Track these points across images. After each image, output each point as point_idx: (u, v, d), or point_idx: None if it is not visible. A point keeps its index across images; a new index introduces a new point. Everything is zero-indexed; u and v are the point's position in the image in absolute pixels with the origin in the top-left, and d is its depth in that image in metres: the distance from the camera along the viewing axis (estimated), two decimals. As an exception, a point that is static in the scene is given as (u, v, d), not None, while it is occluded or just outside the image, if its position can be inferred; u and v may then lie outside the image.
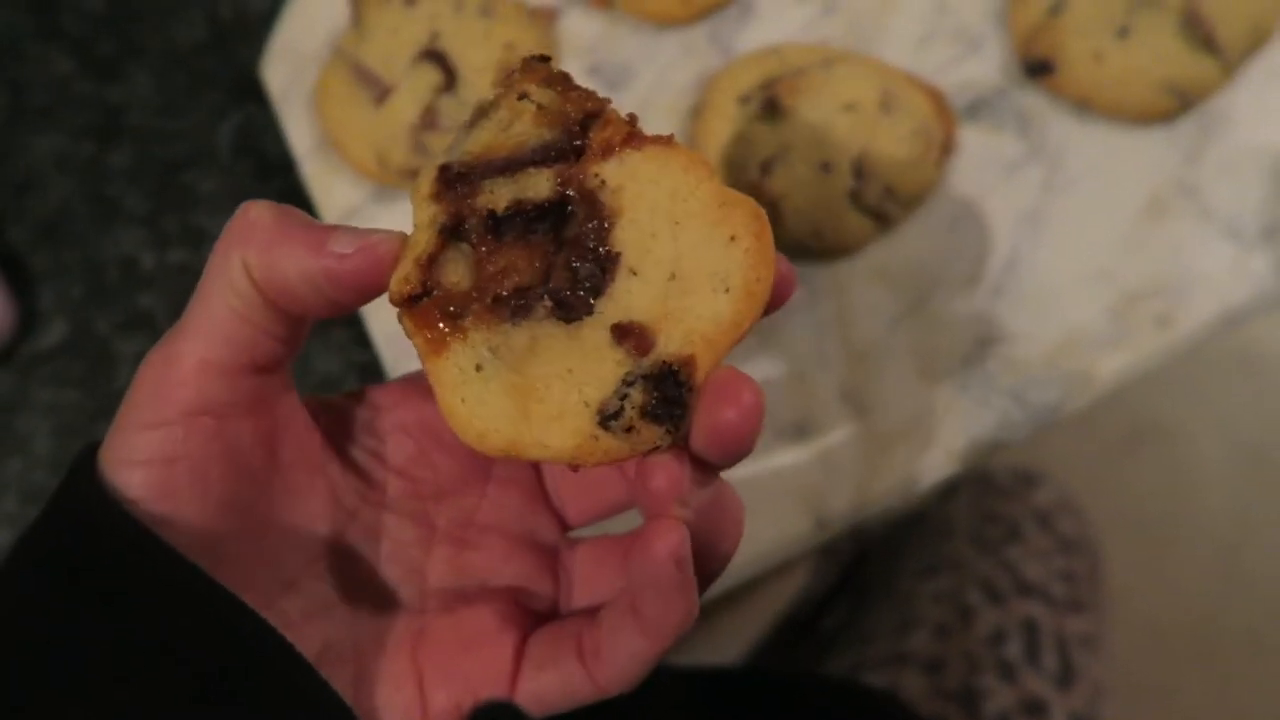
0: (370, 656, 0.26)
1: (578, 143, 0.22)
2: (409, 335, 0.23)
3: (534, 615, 0.27)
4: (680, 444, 0.22)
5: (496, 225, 0.22)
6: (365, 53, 0.42)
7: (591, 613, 0.25)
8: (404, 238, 0.23)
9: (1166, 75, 0.39)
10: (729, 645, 0.83)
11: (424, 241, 0.22)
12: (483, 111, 0.23)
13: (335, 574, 0.26)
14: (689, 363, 0.21)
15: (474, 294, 0.22)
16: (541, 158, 0.22)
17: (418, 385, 0.28)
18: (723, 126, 0.41)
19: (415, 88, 0.41)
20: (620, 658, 0.24)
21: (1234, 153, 0.40)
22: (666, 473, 0.22)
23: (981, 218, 0.41)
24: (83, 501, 0.23)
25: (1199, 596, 0.95)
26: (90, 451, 0.24)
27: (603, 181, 0.22)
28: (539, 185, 0.22)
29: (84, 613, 0.22)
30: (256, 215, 0.23)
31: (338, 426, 0.27)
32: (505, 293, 0.22)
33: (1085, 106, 0.41)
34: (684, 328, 0.22)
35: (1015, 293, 0.40)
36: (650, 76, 0.43)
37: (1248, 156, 0.40)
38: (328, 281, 0.22)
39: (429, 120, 0.41)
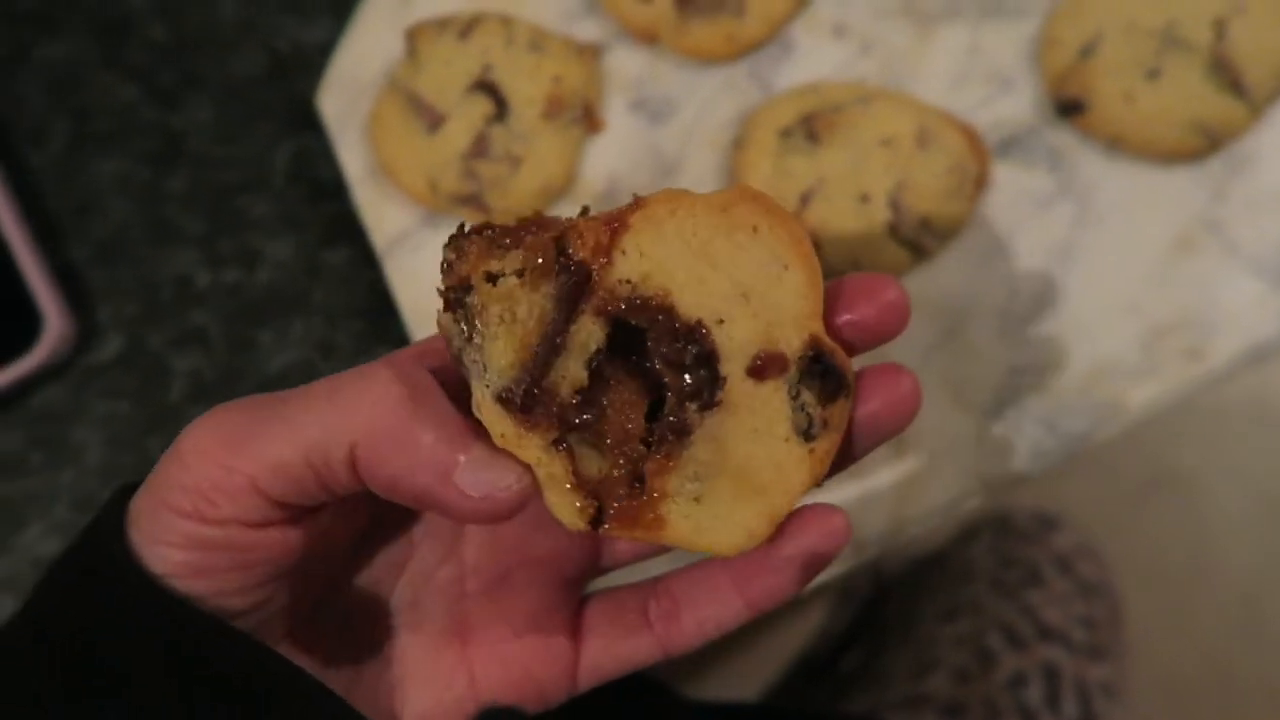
0: (414, 654, 0.26)
1: (578, 275, 0.22)
2: (623, 534, 0.23)
3: (577, 583, 0.27)
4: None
5: (588, 395, 0.22)
6: (420, 83, 0.44)
7: (650, 584, 0.26)
8: (532, 478, 0.22)
9: (1195, 116, 0.41)
10: (744, 686, 0.82)
11: (560, 471, 0.22)
12: (467, 323, 0.22)
13: (372, 563, 0.27)
14: (813, 342, 0.23)
15: (623, 457, 0.22)
16: (569, 313, 0.22)
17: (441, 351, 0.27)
18: (763, 159, 0.42)
19: (467, 117, 0.43)
20: (706, 627, 0.25)
21: (1260, 192, 0.41)
22: (901, 385, 0.24)
23: (1014, 251, 0.42)
24: (113, 568, 0.22)
25: (1217, 647, 0.94)
26: (116, 504, 0.23)
27: (629, 282, 0.22)
28: (591, 334, 0.22)
29: (98, 674, 0.22)
30: (383, 399, 0.21)
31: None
32: (645, 438, 0.22)
33: (1115, 145, 0.42)
34: (788, 323, 0.23)
35: (1047, 324, 0.41)
36: (693, 110, 0.45)
37: (1274, 196, 0.41)
38: (441, 510, 0.21)
39: (480, 148, 0.42)
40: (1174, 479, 0.98)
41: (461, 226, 0.22)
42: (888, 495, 0.40)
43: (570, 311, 0.22)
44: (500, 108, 0.43)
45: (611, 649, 0.26)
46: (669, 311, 0.22)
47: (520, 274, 0.21)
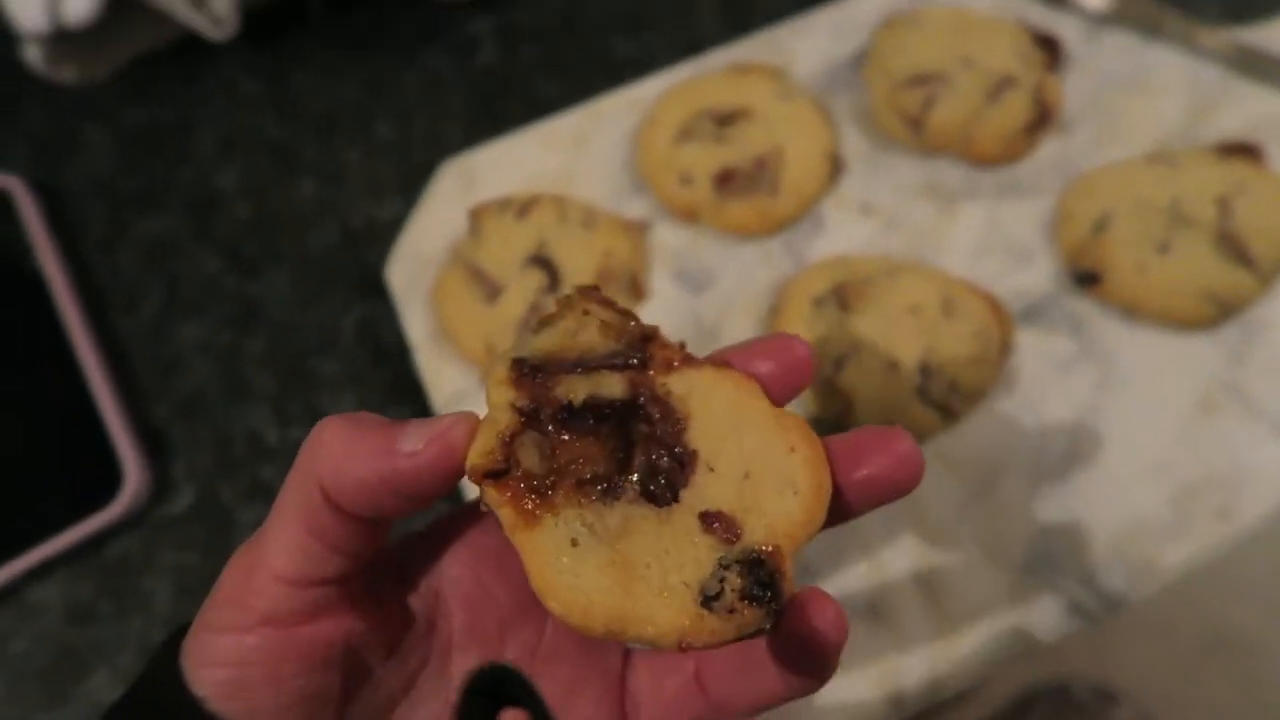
0: None
1: (639, 357, 0.24)
2: (493, 507, 0.23)
3: None
4: (774, 629, 0.22)
5: (568, 417, 0.23)
6: (481, 257, 0.48)
7: None
8: (476, 418, 0.24)
9: (1206, 286, 0.43)
10: None
11: (505, 420, 0.23)
12: (546, 321, 0.25)
13: None
14: (775, 554, 0.23)
15: (551, 478, 0.23)
16: (610, 364, 0.24)
17: (470, 516, 0.28)
18: (798, 325, 0.45)
19: (524, 287, 0.46)
20: None
21: (1277, 356, 0.43)
22: (825, 615, 0.22)
23: (1041, 412, 0.44)
24: (163, 694, 0.24)
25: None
26: (173, 641, 0.26)
27: (669, 390, 0.24)
28: (612, 385, 0.24)
29: None
30: (329, 434, 0.24)
31: (401, 575, 0.28)
32: (586, 477, 0.23)
33: (1132, 313, 0.44)
34: (765, 521, 0.23)
35: (1076, 482, 0.42)
36: (731, 280, 0.48)
37: (1290, 360, 0.43)
38: (403, 482, 0.23)
39: (535, 316, 0.46)
40: (1233, 642, 0.95)
41: (595, 286, 0.25)
42: (925, 650, 0.41)
43: (609, 364, 0.24)
44: (553, 279, 0.47)
45: None
46: (678, 428, 0.24)
47: (604, 324, 0.24)
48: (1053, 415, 0.44)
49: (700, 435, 0.24)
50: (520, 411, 0.23)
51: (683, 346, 0.25)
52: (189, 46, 0.57)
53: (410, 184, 0.54)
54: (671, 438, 0.23)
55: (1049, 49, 0.50)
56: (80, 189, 0.56)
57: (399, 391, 0.49)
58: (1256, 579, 0.93)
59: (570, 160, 0.52)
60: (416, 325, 0.49)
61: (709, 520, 0.23)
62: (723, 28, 0.56)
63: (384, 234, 0.53)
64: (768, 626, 0.22)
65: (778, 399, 0.25)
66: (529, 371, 0.24)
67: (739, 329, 0.47)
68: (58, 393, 0.49)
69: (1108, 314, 0.45)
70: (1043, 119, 0.48)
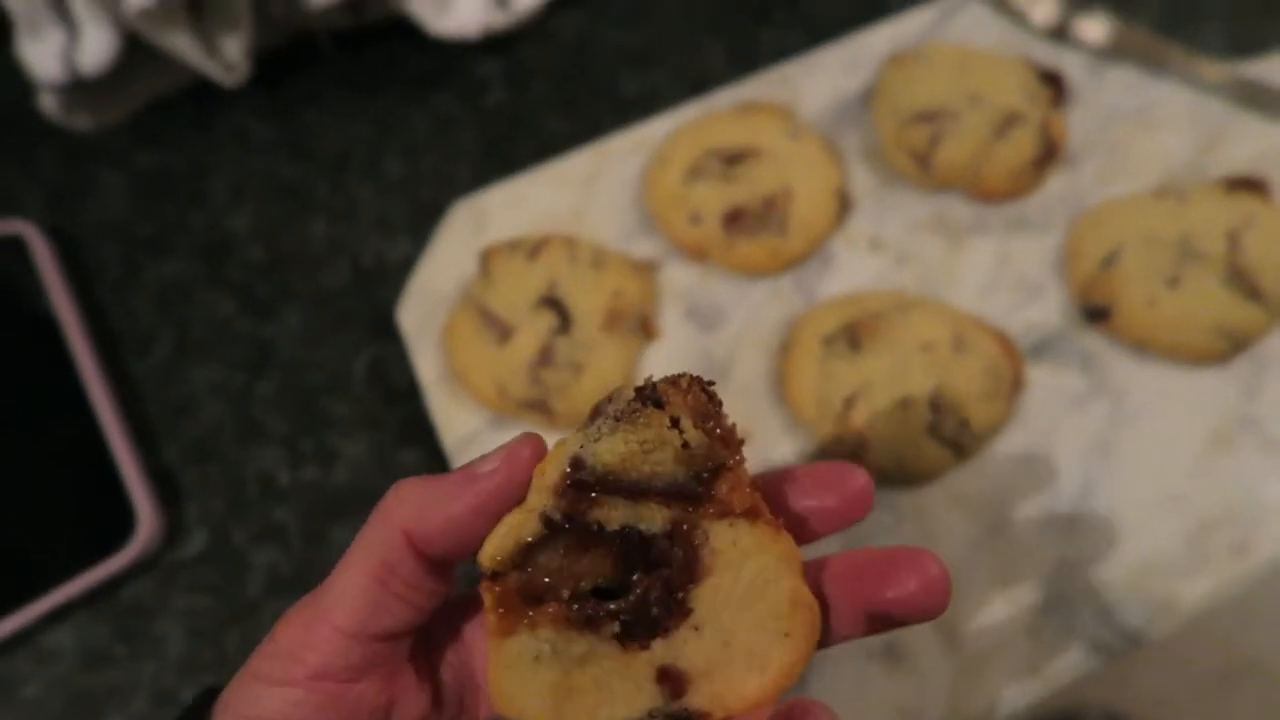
0: None
1: (699, 490, 0.24)
2: (486, 606, 0.24)
3: None
4: None
5: (594, 534, 0.24)
6: (491, 298, 0.48)
7: None
8: (538, 439, 0.24)
9: (1217, 320, 0.43)
10: None
11: (530, 529, 0.24)
12: (628, 415, 0.23)
13: None
14: (704, 718, 0.24)
15: (549, 585, 0.24)
16: (666, 497, 0.24)
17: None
18: (809, 363, 0.45)
19: (535, 329, 0.47)
20: None
21: (1290, 390, 0.43)
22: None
23: (1053, 448, 0.44)
24: None
25: None
26: (202, 703, 0.25)
27: (706, 538, 0.24)
28: (653, 519, 0.24)
29: None
30: (406, 489, 0.25)
31: (434, 646, 0.28)
32: (576, 591, 0.24)
33: (1143, 348, 0.44)
34: (714, 689, 0.24)
35: (1091, 518, 0.42)
36: (741, 318, 0.48)
37: (1304, 394, 0.43)
38: (489, 501, 0.24)
39: (546, 357, 0.46)
40: (1249, 671, 0.94)
41: (709, 381, 0.24)
42: (943, 691, 0.40)
43: (665, 496, 0.24)
44: (564, 320, 0.47)
45: None
46: (689, 581, 0.24)
47: (685, 448, 0.23)
48: (1065, 452, 0.44)
49: (705, 596, 0.24)
50: (549, 524, 0.24)
51: (755, 488, 0.24)
52: (202, 92, 0.58)
53: (421, 224, 0.54)
54: (678, 587, 0.24)
55: (1054, 85, 0.50)
56: (94, 234, 0.56)
57: (410, 432, 0.49)
58: (1274, 608, 0.92)
59: (579, 200, 0.52)
60: (428, 366, 0.49)
61: (664, 676, 0.24)
62: (729, 65, 0.57)
63: (395, 274, 0.53)
64: None
65: (831, 528, 0.25)
66: (579, 484, 0.24)
67: (749, 367, 0.47)
68: (71, 437, 0.49)
69: (1118, 349, 0.45)
70: (1049, 154, 0.48)
